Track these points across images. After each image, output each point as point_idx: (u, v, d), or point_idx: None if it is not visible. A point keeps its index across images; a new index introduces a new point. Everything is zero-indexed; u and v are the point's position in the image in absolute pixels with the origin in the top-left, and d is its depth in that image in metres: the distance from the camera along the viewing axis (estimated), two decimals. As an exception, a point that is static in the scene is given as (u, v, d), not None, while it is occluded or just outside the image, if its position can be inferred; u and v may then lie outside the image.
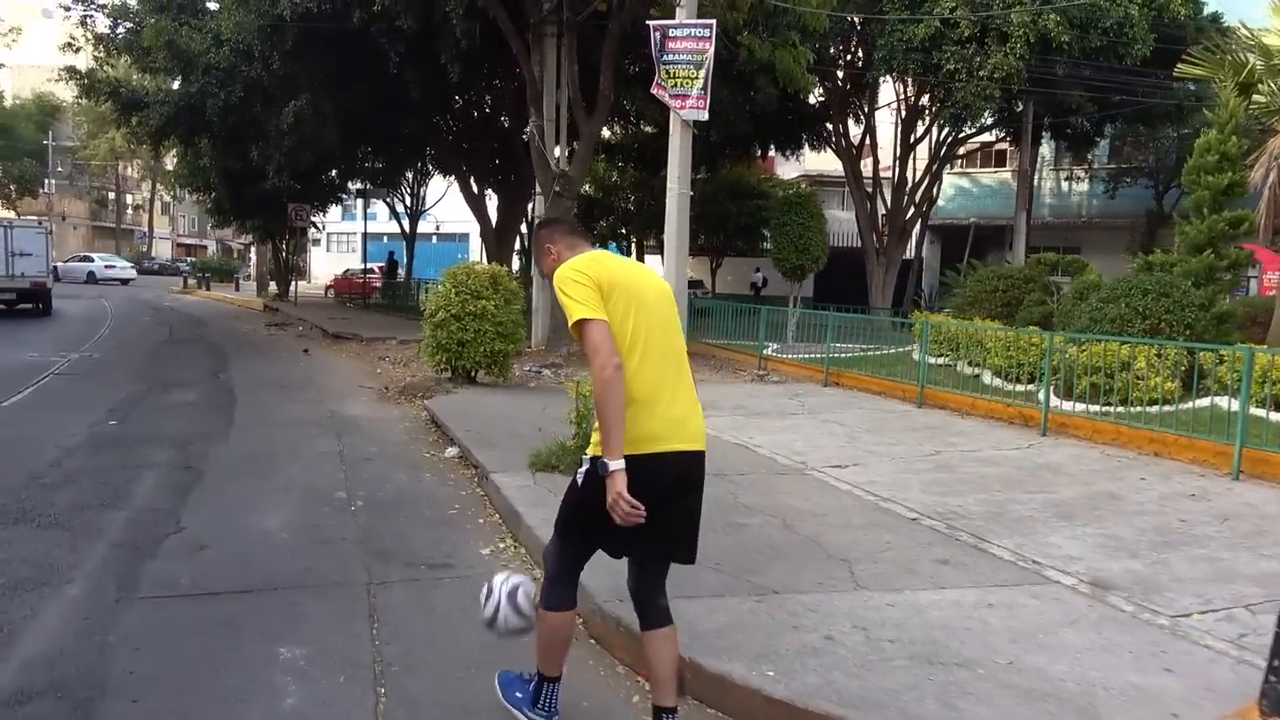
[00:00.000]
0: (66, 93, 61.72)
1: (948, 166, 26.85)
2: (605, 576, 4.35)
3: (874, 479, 6.93)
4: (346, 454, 7.84)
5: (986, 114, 19.43)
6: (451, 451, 7.95)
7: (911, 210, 23.58)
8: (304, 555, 5.06)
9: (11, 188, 61.83)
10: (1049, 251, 32.09)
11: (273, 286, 32.93)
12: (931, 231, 32.43)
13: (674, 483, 2.89)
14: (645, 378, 2.82)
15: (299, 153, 17.88)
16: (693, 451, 2.95)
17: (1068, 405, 9.02)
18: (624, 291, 2.84)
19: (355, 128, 20.36)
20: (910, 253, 31.93)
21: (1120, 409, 8.46)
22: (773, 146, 29.78)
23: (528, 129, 14.79)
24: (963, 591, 4.48)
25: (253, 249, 45.63)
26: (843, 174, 43.59)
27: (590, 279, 2.81)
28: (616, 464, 2.70)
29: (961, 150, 25.81)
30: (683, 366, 3.01)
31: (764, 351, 14.55)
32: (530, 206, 25.65)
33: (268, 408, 10.13)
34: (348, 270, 39.60)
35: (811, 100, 27.30)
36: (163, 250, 73.17)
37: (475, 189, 22.78)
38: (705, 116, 10.23)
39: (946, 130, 22.72)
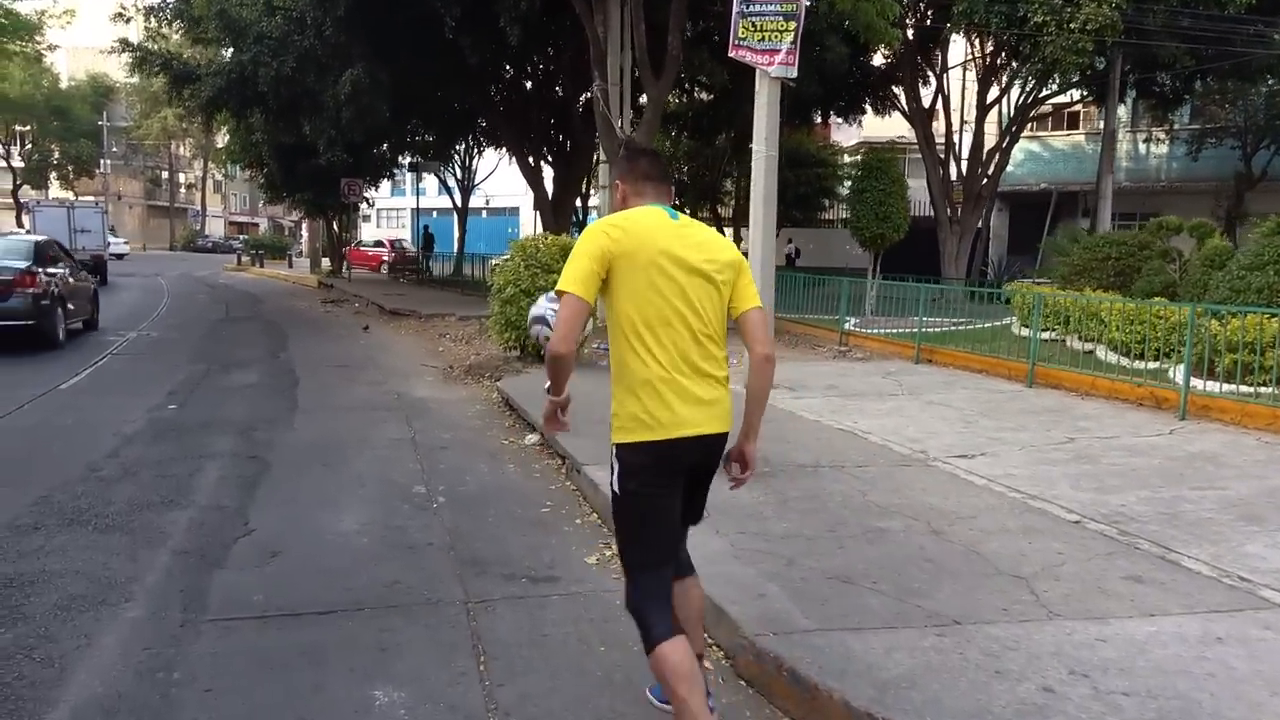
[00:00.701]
0: (120, 73, 62.32)
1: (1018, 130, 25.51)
2: (752, 603, 3.69)
3: (1010, 472, 6.14)
4: (419, 441, 7.24)
5: (1075, 71, 18.11)
6: (532, 438, 7.32)
7: (987, 176, 22.33)
8: (388, 564, 4.44)
9: (69, 168, 62.70)
10: (1126, 217, 30.71)
11: (326, 263, 32.70)
12: (999, 199, 31.01)
13: (694, 465, 2.75)
14: (659, 356, 2.62)
15: (355, 124, 17.31)
16: (715, 435, 2.73)
17: (1209, 385, 8.10)
18: (640, 260, 2.63)
19: (409, 99, 19.78)
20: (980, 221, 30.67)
21: (1276, 390, 7.53)
22: (833, 111, 28.69)
23: (590, 92, 14.02)
24: (1178, 620, 3.70)
25: (304, 225, 45.59)
26: (904, 140, 42.12)
27: (597, 246, 2.63)
28: (554, 396, 2.79)
29: (1034, 112, 24.44)
30: (714, 344, 2.72)
31: (845, 326, 13.72)
32: (586, 179, 24.96)
33: (331, 389, 9.60)
34: (359, 242, 41.66)
35: (877, 61, 26.17)
36: (215, 228, 73.90)
37: (531, 160, 22.09)
38: (795, 73, 9.39)
39: (1026, 90, 21.42)
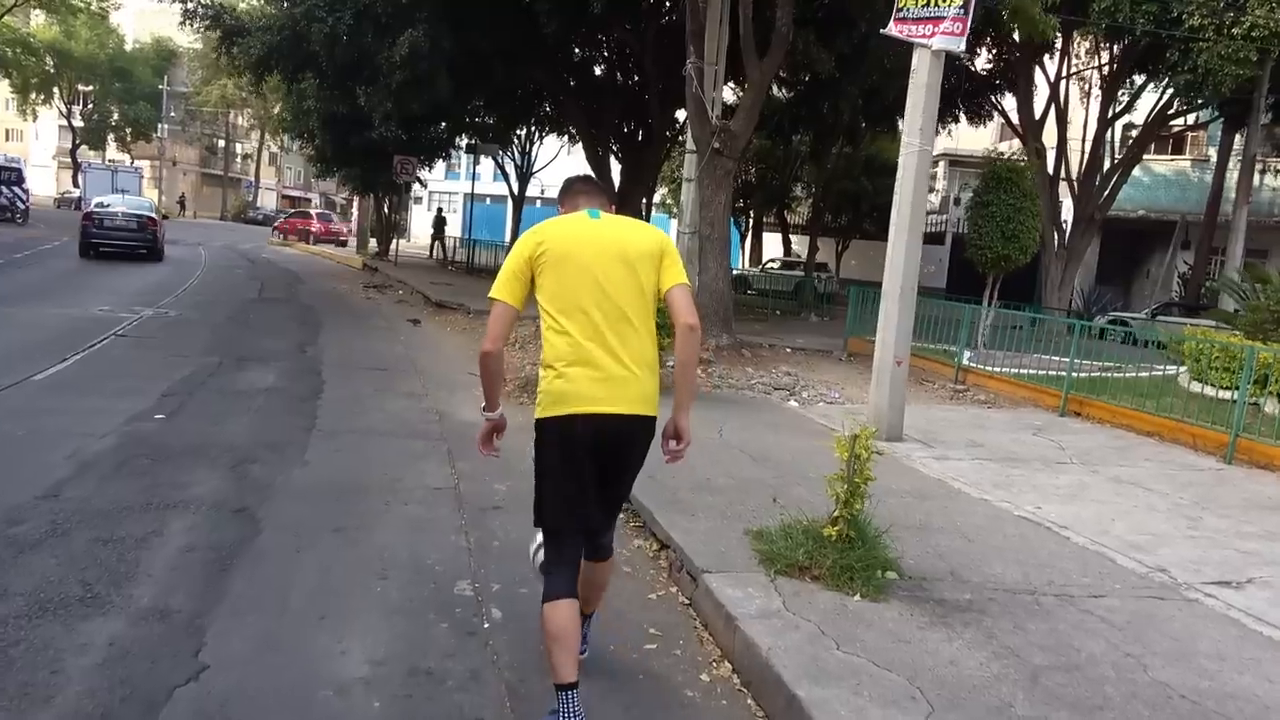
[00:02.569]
0: (184, 37, 61.96)
1: (1109, 151, 23.17)
2: None
3: (1317, 622, 4.19)
4: (465, 494, 5.46)
5: (1230, 83, 15.80)
6: (613, 502, 5.50)
7: (1104, 197, 20.07)
8: (411, 773, 2.63)
9: (127, 131, 62.37)
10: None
11: (373, 244, 31.22)
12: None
13: (603, 447, 2.87)
14: (569, 341, 2.82)
15: (409, 92, 15.63)
16: (622, 416, 2.85)
17: None
18: (556, 256, 2.85)
19: (472, 73, 18.12)
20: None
21: None
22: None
23: (684, 71, 12.17)
24: None
25: (354, 204, 44.39)
26: (986, 156, 39.65)
27: (523, 251, 2.88)
28: (488, 414, 3.02)
29: (1166, 129, 22.17)
30: (628, 328, 2.86)
31: (962, 360, 11.74)
32: (655, 174, 23.13)
33: (360, 403, 7.87)
34: (293, 210, 46.86)
35: (979, 64, 24.20)
36: (268, 201, 73.31)
37: (599, 150, 20.36)
38: (962, 46, 7.48)
39: (1156, 105, 19.19)
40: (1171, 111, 19.74)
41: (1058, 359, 10.99)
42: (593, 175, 3.39)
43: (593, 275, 2.82)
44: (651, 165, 20.76)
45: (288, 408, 7.38)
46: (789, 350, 14.02)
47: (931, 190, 36.95)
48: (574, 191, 3.17)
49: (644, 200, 22.83)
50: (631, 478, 3.09)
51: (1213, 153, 30.34)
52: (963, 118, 26.71)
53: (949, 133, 29.14)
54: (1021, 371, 11.06)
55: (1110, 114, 20.16)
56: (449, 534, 4.74)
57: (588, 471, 2.88)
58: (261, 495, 5.03)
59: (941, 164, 38.08)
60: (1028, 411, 9.88)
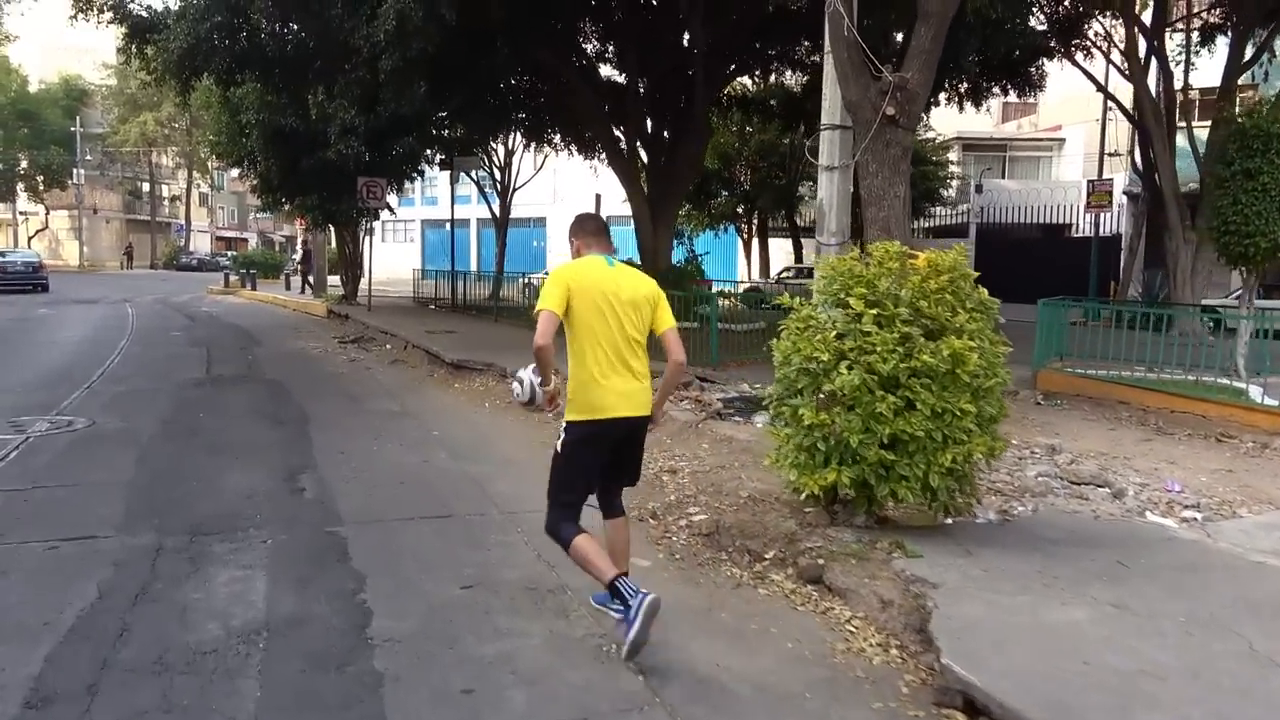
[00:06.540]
0: (95, 74, 56.44)
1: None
2: None
3: None
4: None
5: None
6: None
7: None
8: None
9: (39, 179, 56.62)
10: None
11: (333, 283, 26.68)
12: (1129, 200, 25.16)
13: (621, 439, 3.88)
14: (596, 361, 3.77)
15: (400, 84, 11.48)
16: (635, 417, 3.86)
17: None
18: (588, 294, 3.78)
19: (465, 59, 14.03)
20: (1111, 226, 25.11)
21: None
22: (970, 93, 23.05)
23: (829, 4, 8.22)
24: None
25: (299, 240, 39.60)
26: (1001, 139, 36.39)
27: (563, 282, 3.76)
28: (547, 389, 3.85)
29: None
30: (636, 352, 3.86)
31: (1258, 398, 8.00)
32: (692, 178, 19.09)
33: (461, 655, 3.73)
34: None
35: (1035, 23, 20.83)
36: (201, 244, 67.77)
37: (624, 147, 16.39)
38: None
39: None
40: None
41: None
42: (601, 217, 4.21)
43: (615, 311, 3.80)
44: (689, 163, 16.74)
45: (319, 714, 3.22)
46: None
47: (950, 178, 33.51)
48: (587, 231, 4.01)
49: (677, 212, 18.90)
50: (640, 456, 4.08)
51: None
52: (1012, 90, 23.37)
53: (987, 110, 25.72)
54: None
55: (1240, 65, 16.81)
56: None
57: (605, 459, 3.89)
58: None
59: (956, 148, 34.78)
60: None
